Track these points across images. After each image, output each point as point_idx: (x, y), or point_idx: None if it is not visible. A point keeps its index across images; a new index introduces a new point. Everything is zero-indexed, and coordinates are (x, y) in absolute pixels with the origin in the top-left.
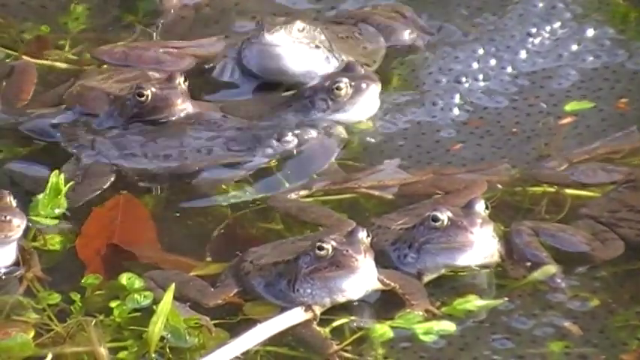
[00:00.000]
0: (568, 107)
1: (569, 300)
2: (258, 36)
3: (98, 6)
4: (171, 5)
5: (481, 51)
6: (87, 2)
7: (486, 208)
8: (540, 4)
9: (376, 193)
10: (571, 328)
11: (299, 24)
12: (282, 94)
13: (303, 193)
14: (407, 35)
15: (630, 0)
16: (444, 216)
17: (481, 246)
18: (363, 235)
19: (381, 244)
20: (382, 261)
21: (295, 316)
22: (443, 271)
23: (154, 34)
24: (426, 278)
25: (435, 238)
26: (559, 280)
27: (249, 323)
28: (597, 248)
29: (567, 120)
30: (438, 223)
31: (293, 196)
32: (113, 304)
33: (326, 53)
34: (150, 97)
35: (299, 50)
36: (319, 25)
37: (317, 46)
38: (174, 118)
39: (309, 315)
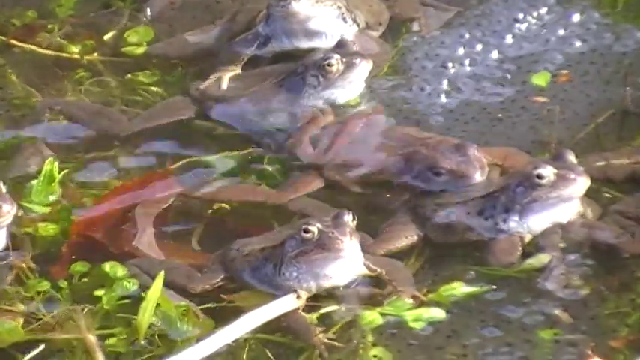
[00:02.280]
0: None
1: (559, 288)
2: (284, 4)
3: None
4: None
5: (467, 36)
6: None
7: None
8: None
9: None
10: (561, 315)
11: None
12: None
13: None
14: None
15: None
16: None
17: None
18: (348, 218)
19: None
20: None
21: (285, 303)
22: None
23: (143, 19)
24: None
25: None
26: (553, 268)
27: (235, 309)
28: (626, 241)
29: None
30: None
31: None
32: (101, 292)
33: (345, 13)
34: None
35: (323, 13)
36: None
37: (338, 7)
38: None
39: (299, 302)
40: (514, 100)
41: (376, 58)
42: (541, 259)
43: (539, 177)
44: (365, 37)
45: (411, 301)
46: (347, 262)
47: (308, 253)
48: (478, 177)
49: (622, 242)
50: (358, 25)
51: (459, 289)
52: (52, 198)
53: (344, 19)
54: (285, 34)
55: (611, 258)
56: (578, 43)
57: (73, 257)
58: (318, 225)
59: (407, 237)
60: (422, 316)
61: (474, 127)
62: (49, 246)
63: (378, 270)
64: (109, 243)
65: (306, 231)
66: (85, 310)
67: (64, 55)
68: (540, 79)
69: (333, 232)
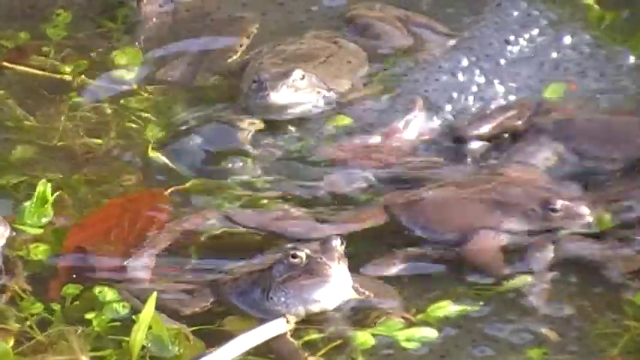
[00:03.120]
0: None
1: (546, 307)
2: (262, 96)
3: (78, 14)
4: (149, 12)
5: (466, 61)
6: (67, 9)
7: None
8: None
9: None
10: (549, 334)
11: (297, 73)
12: None
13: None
14: (399, 40)
15: (604, 4)
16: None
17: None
18: (337, 243)
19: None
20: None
21: (274, 327)
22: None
23: (134, 40)
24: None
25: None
26: (536, 288)
27: (226, 332)
28: (616, 264)
29: None
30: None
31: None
32: (91, 315)
33: (323, 93)
34: None
35: (302, 99)
36: (310, 63)
37: (318, 92)
38: None
39: (288, 327)
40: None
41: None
42: (523, 279)
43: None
44: (349, 100)
45: (401, 321)
46: (335, 287)
47: (296, 278)
48: (588, 218)
49: (613, 265)
50: (339, 94)
51: (447, 308)
52: (44, 220)
53: (323, 97)
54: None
55: (597, 277)
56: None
57: (73, 276)
58: (306, 250)
59: None
60: (414, 336)
61: None
62: (40, 268)
63: (367, 293)
64: (98, 265)
65: (294, 256)
66: (79, 331)
67: (57, 77)
68: (554, 92)
69: (321, 258)
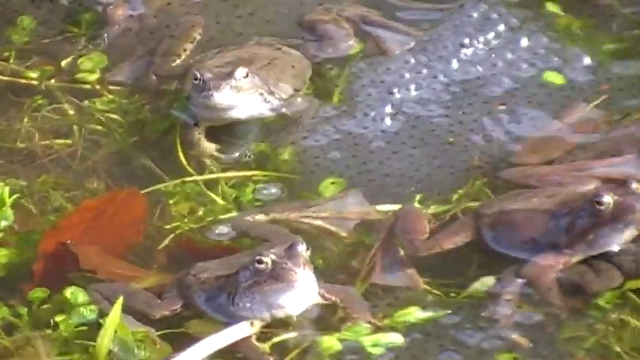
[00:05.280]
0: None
1: (515, 313)
2: (206, 95)
3: (43, 19)
4: (116, 17)
5: (413, 61)
6: (32, 15)
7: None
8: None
9: (332, 228)
10: (520, 340)
11: (241, 71)
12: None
13: (259, 217)
14: (346, 45)
15: (570, 10)
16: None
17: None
18: (302, 248)
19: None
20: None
21: (239, 331)
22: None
23: (100, 45)
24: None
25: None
26: (502, 294)
27: (194, 336)
28: (591, 280)
29: None
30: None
31: (249, 219)
32: (59, 319)
33: (267, 96)
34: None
35: (245, 100)
36: (253, 66)
37: (260, 93)
38: None
39: (253, 330)
40: (462, 123)
41: (304, 114)
42: (486, 282)
43: None
44: (292, 106)
45: (368, 326)
46: (300, 293)
47: (261, 284)
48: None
49: (587, 280)
50: (281, 100)
51: (414, 314)
52: (4, 223)
53: (266, 100)
54: (205, 120)
55: (566, 283)
56: (525, 67)
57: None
58: (272, 256)
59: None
60: (380, 342)
61: (423, 150)
62: (4, 272)
63: (333, 298)
64: (82, 258)
65: (260, 262)
66: (45, 336)
67: (21, 81)
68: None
69: (286, 263)
